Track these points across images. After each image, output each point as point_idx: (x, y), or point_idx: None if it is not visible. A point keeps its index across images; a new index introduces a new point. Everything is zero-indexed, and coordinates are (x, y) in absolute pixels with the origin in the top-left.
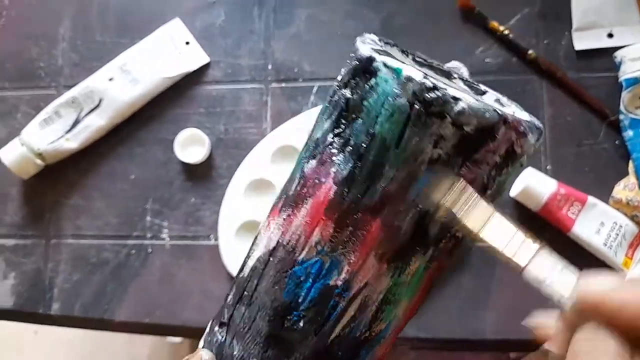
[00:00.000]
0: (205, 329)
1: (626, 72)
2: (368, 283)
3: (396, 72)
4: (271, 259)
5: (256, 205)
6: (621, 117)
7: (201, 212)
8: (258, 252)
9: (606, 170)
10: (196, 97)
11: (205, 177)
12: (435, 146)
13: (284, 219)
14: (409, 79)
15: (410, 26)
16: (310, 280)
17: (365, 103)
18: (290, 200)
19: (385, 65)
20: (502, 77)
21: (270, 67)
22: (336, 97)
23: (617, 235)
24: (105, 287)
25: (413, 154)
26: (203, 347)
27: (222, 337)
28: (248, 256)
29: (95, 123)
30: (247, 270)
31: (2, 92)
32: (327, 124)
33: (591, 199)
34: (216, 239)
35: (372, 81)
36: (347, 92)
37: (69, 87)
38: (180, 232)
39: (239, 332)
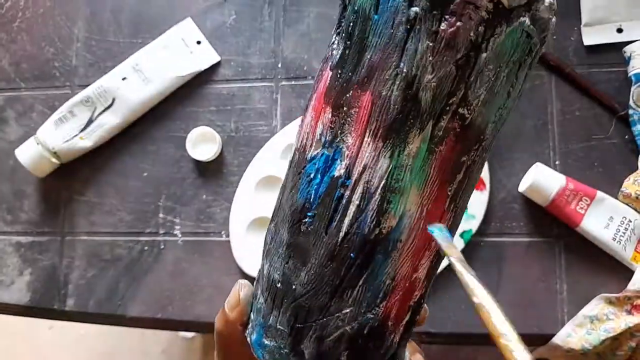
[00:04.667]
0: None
1: (636, 67)
2: (367, 166)
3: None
4: (290, 167)
5: (267, 202)
6: (631, 112)
7: (212, 209)
8: (288, 167)
9: (615, 165)
10: (207, 96)
11: (217, 174)
12: (411, 4)
13: (299, 125)
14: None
15: None
16: (319, 175)
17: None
18: (307, 105)
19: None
20: None
21: (280, 65)
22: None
23: (627, 229)
24: (118, 283)
25: (391, 15)
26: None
27: (262, 262)
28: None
29: (109, 122)
30: (280, 189)
31: (18, 92)
32: (334, 28)
33: (600, 194)
34: (227, 235)
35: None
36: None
37: (83, 86)
38: (192, 229)
39: (269, 251)
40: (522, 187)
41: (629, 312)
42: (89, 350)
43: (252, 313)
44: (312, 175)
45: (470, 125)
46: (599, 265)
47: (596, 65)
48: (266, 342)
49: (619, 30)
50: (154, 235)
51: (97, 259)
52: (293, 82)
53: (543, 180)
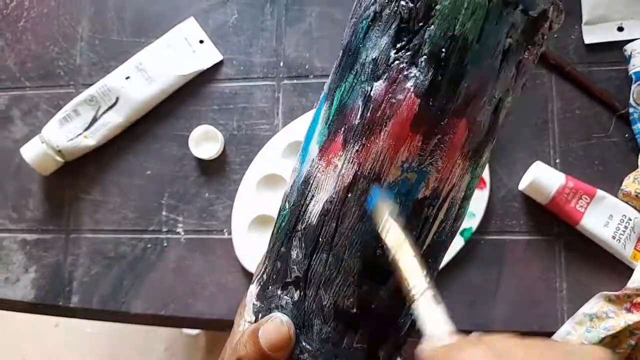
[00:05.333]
0: (218, 320)
1: (636, 66)
2: (454, 185)
3: None
4: (349, 195)
5: (268, 200)
6: (631, 110)
7: (215, 207)
8: (324, 195)
9: (616, 164)
10: (210, 95)
11: (219, 172)
12: (507, 35)
13: (357, 151)
14: None
15: None
16: (399, 200)
17: (437, 8)
18: (357, 131)
19: None
20: None
21: (282, 64)
22: (387, 12)
23: (626, 228)
24: (122, 280)
25: (493, 46)
26: (252, 317)
27: (297, 295)
28: (302, 205)
29: (113, 120)
30: (313, 219)
31: (23, 91)
32: (383, 41)
33: (600, 192)
34: (230, 233)
35: None
36: (405, 3)
37: (87, 85)
38: (195, 227)
39: (326, 281)
40: (522, 186)
41: (629, 310)
42: (93, 348)
43: (301, 343)
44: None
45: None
46: (599, 264)
47: (596, 63)
48: None
49: (620, 29)
50: (157, 233)
51: (101, 256)
52: (295, 81)
53: (543, 178)
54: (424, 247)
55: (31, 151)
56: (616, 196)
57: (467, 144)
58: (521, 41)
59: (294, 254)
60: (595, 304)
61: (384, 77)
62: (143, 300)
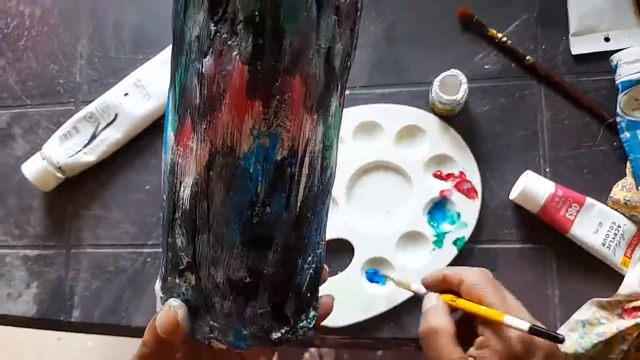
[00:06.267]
0: None
1: (622, 75)
2: (309, 139)
3: None
4: (211, 173)
5: None
6: (618, 119)
7: None
8: (189, 179)
9: (604, 172)
10: None
11: None
12: None
13: (204, 129)
14: None
15: (412, 34)
16: (260, 166)
17: None
18: (200, 110)
19: None
20: (501, 82)
21: None
22: None
23: (616, 235)
24: (122, 294)
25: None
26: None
27: (193, 279)
28: (174, 193)
29: (112, 137)
30: (186, 204)
31: (24, 109)
32: (200, 16)
33: (589, 200)
34: None
35: None
36: None
37: (87, 102)
38: None
39: (213, 259)
40: (513, 195)
41: (620, 316)
42: None
43: (209, 322)
44: (251, 170)
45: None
46: (590, 270)
47: (584, 74)
48: (245, 332)
49: (606, 39)
50: (156, 247)
51: (102, 270)
52: None
53: (533, 187)
54: (299, 204)
55: (32, 168)
56: (606, 204)
57: (308, 98)
58: None
59: (178, 241)
60: (587, 311)
61: (210, 51)
62: (143, 314)
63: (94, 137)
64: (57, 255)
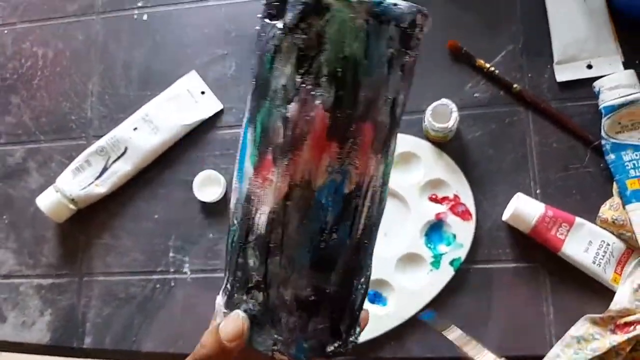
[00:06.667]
0: None
1: (605, 101)
2: (372, 175)
3: (346, 1)
4: (288, 203)
5: None
6: (603, 142)
7: (219, 246)
8: (266, 207)
9: (592, 192)
10: (212, 141)
11: (222, 213)
12: (388, 47)
13: (286, 165)
14: (360, 2)
15: None
16: (331, 198)
17: (327, 36)
18: (283, 148)
19: None
20: (490, 109)
21: None
22: (286, 44)
23: (605, 252)
24: (132, 320)
25: (378, 59)
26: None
27: (260, 296)
28: (249, 219)
29: (122, 169)
30: (261, 229)
31: (38, 144)
32: (288, 69)
33: (579, 220)
34: None
35: (328, 15)
36: (299, 36)
37: (98, 137)
38: (201, 266)
39: (283, 280)
40: (506, 216)
41: (613, 332)
42: None
43: (273, 335)
44: (323, 201)
45: None
46: (583, 287)
47: (569, 99)
48: (306, 345)
49: (589, 67)
50: (165, 274)
51: (113, 297)
52: None
53: (524, 209)
54: (359, 231)
55: (46, 200)
56: (595, 223)
57: (375, 141)
58: (400, 48)
59: (250, 262)
60: (581, 327)
61: (295, 99)
62: (153, 339)
63: (105, 169)
64: (69, 283)
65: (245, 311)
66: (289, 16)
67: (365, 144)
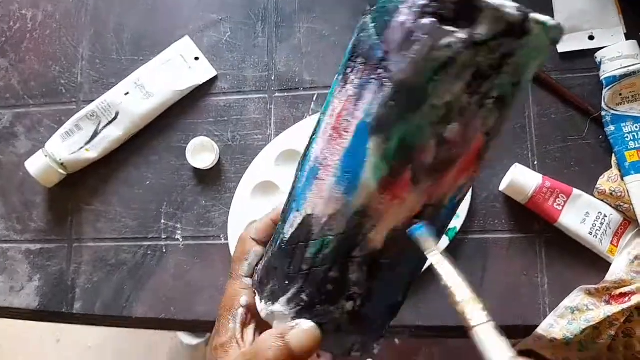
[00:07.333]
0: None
1: (606, 72)
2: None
3: (544, 25)
4: (415, 220)
5: (262, 206)
6: (603, 113)
7: (211, 214)
8: (389, 224)
9: (591, 164)
10: (205, 108)
11: (215, 181)
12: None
13: (430, 185)
14: (556, 27)
15: None
16: (448, 212)
17: (512, 60)
18: (432, 169)
19: (536, 21)
20: None
21: (273, 77)
22: (464, 59)
23: (602, 224)
24: (123, 286)
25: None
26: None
27: (350, 305)
28: (357, 234)
29: (113, 134)
30: (377, 244)
31: (27, 109)
32: (457, 87)
33: (576, 191)
34: (226, 239)
35: (525, 40)
36: (486, 55)
37: (88, 102)
38: (193, 233)
39: (383, 291)
40: (503, 187)
41: (608, 302)
42: None
43: (353, 338)
44: (443, 217)
45: None
46: (578, 259)
47: (570, 70)
48: (377, 344)
49: (591, 38)
50: (156, 240)
51: (103, 263)
52: (286, 94)
53: (521, 179)
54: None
55: (35, 164)
56: (592, 195)
57: (482, 149)
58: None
59: (353, 277)
60: (575, 297)
61: (458, 119)
62: (144, 305)
63: (95, 134)
64: (59, 249)
65: (330, 320)
66: (482, 30)
67: (485, 160)
